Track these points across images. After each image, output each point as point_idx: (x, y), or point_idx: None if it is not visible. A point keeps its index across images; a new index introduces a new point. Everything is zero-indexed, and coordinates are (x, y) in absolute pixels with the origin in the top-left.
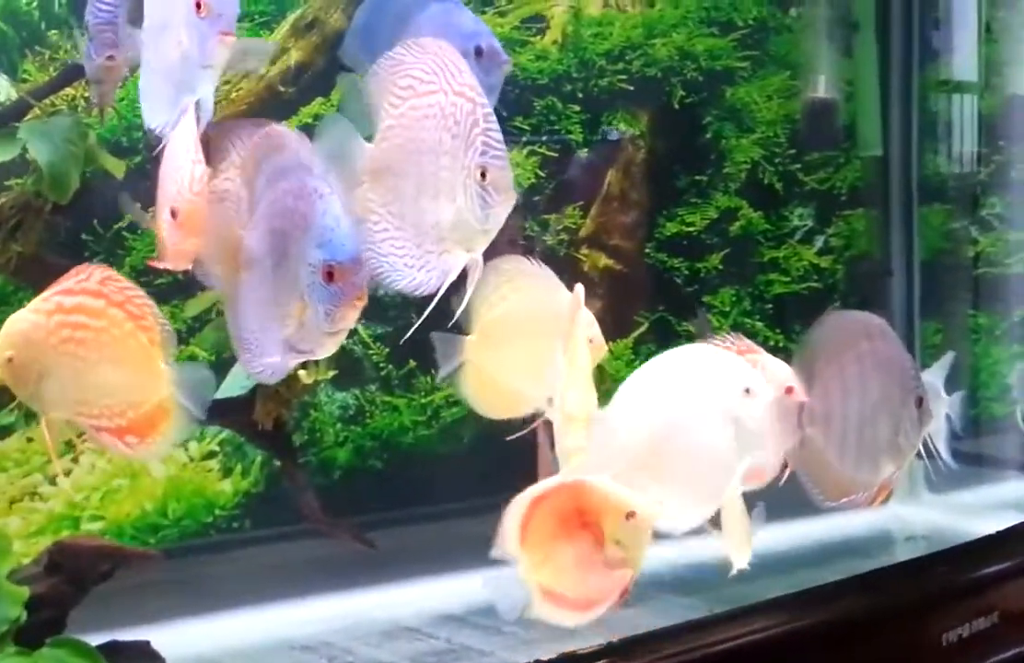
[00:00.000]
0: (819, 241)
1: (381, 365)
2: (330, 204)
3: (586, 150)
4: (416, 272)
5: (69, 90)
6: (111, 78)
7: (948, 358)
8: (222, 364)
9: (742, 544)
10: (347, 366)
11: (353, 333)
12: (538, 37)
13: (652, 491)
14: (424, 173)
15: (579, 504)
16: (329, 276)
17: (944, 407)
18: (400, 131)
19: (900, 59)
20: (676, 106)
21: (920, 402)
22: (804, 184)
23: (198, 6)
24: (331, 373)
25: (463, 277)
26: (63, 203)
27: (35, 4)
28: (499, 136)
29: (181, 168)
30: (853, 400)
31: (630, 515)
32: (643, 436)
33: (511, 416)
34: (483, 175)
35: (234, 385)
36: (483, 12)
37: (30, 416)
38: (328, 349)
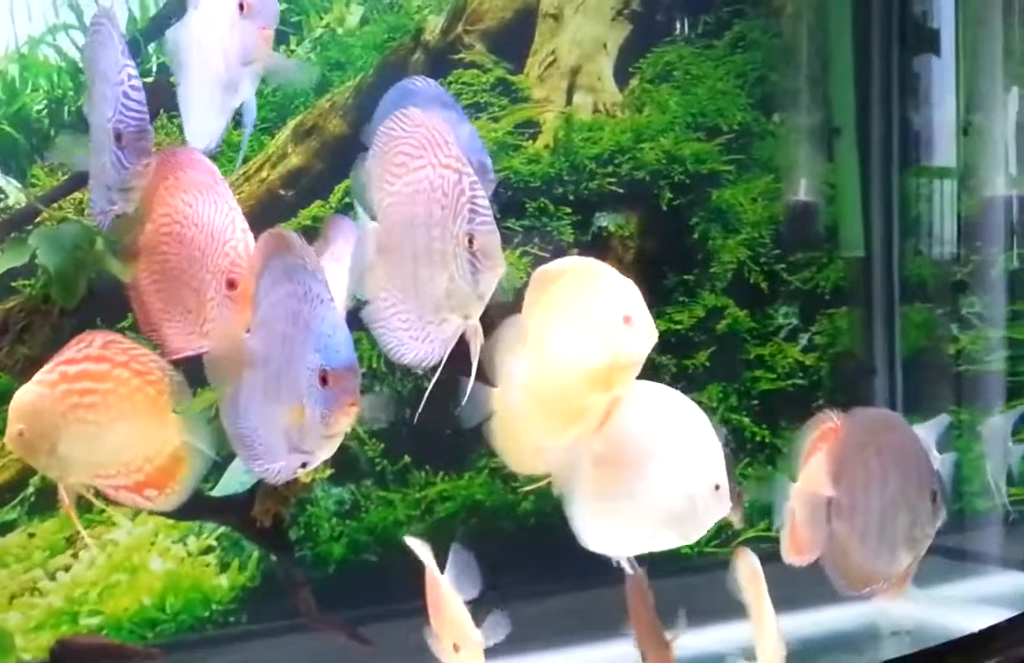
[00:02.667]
0: (803, 339)
1: (376, 461)
2: (329, 311)
3: (576, 250)
4: (420, 344)
5: (77, 194)
6: (142, 184)
7: (943, 419)
8: (224, 461)
9: None
10: (343, 462)
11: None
12: (530, 142)
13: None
14: (419, 246)
15: (436, 604)
16: (324, 381)
17: (935, 464)
18: (397, 207)
19: (880, 163)
20: (664, 208)
21: (935, 496)
22: (788, 283)
23: (241, 7)
24: (328, 472)
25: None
26: (71, 308)
27: (44, 111)
28: (486, 204)
29: (231, 240)
30: (875, 493)
31: (456, 646)
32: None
33: (538, 471)
34: (471, 242)
35: (232, 483)
36: (477, 118)
37: (32, 512)
38: (325, 452)
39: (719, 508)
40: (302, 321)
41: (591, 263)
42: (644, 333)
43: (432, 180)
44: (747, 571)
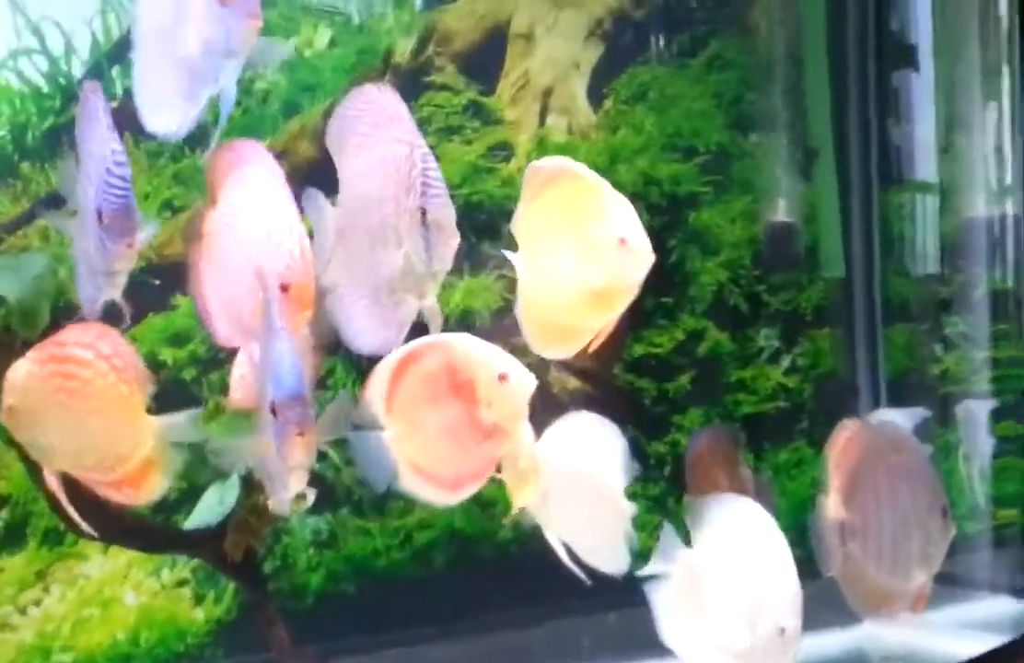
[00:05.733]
0: (785, 361)
1: (353, 489)
2: (280, 340)
3: None
4: (380, 331)
5: (41, 222)
6: (127, 267)
7: (919, 411)
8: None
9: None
10: (319, 491)
11: (324, 457)
12: (504, 164)
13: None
14: (373, 225)
15: (449, 363)
16: (274, 413)
17: None
18: (353, 188)
19: (860, 182)
20: None
21: (944, 512)
22: (769, 305)
23: None
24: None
25: None
26: (33, 338)
27: (8, 137)
28: (438, 175)
29: (284, 241)
30: (886, 512)
31: (502, 377)
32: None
33: None
34: (424, 216)
35: (205, 514)
36: (450, 140)
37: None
38: (293, 485)
39: (782, 655)
40: (265, 353)
41: (587, 176)
42: (641, 256)
43: (384, 156)
44: None
